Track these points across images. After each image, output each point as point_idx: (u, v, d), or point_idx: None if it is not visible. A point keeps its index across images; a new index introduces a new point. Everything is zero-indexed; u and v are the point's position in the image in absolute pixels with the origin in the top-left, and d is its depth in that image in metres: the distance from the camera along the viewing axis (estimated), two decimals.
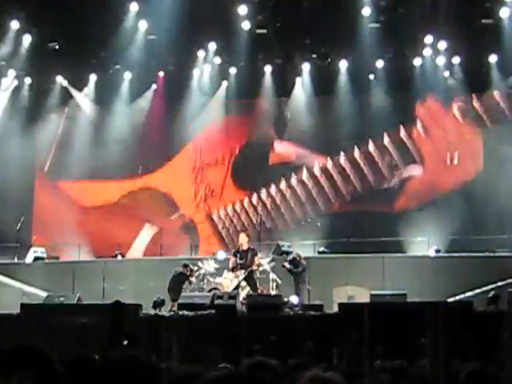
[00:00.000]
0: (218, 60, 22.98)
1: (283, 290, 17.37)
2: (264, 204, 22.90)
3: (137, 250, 22.05)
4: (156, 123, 24.22)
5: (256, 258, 17.60)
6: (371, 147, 22.60)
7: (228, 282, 17.50)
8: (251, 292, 17.00)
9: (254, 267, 17.40)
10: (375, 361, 7.05)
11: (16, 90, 23.92)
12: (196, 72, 23.44)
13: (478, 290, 17.04)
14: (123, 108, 23.94)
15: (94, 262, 21.22)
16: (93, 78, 23.81)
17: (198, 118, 23.89)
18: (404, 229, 21.01)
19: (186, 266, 17.60)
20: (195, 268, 17.93)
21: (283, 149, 23.32)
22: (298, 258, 17.45)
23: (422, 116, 22.44)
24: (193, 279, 17.71)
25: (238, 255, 17.63)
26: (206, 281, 18.02)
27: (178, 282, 17.28)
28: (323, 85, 22.93)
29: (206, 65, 23.17)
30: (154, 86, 24.05)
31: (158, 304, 15.63)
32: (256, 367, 4.02)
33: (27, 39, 22.11)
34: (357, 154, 22.68)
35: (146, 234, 21.40)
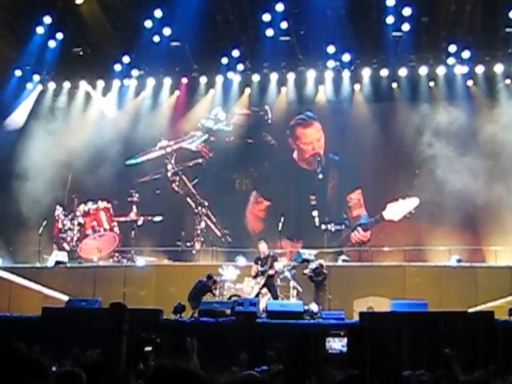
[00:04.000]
0: (241, 67, 22.99)
1: (304, 297, 17.34)
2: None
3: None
4: (178, 129, 24.17)
5: (275, 264, 17.61)
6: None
7: (249, 288, 17.52)
8: (272, 299, 16.99)
9: (271, 272, 17.37)
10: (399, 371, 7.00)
11: (41, 95, 24.07)
12: (219, 79, 23.47)
13: (499, 301, 16.92)
14: (146, 114, 23.96)
15: (115, 267, 21.27)
16: (116, 83, 23.91)
17: None
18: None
19: (210, 277, 17.49)
20: (218, 279, 17.87)
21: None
22: (320, 267, 17.40)
23: None
24: (216, 292, 17.66)
25: (260, 262, 17.63)
26: (226, 287, 17.99)
27: (201, 292, 17.21)
28: (346, 92, 22.87)
29: (229, 72, 23.17)
30: (177, 93, 24.07)
31: (179, 310, 15.64)
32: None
33: (52, 45, 22.29)
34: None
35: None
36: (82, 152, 22.85)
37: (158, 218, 22.55)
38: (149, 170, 23.64)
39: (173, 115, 24.09)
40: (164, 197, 23.25)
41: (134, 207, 22.45)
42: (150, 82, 23.76)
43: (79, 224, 22.27)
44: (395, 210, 21.12)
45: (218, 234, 22.63)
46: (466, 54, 21.32)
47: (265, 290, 17.47)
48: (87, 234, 22.25)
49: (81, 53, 22.72)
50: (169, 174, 23.44)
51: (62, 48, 22.41)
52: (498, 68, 21.61)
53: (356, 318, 15.53)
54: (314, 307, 16.07)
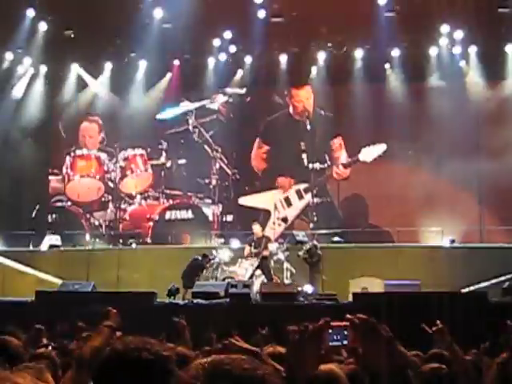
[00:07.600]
0: (233, 48, 22.94)
1: (297, 279, 17.34)
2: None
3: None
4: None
5: (269, 245, 17.61)
6: None
7: (242, 270, 17.50)
8: (265, 281, 16.99)
9: (265, 253, 17.39)
10: None
11: (32, 78, 23.96)
12: (211, 60, 23.42)
13: (492, 281, 16.95)
14: (138, 96, 23.98)
15: (109, 250, 21.26)
16: (108, 66, 23.86)
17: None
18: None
19: (205, 256, 17.52)
20: (213, 260, 17.83)
21: None
22: (314, 249, 17.41)
23: None
24: (207, 269, 17.65)
25: (253, 244, 17.63)
26: (220, 269, 17.95)
27: (195, 269, 17.22)
28: (338, 74, 22.85)
29: (221, 53, 23.13)
30: (169, 75, 24.04)
31: (173, 292, 15.63)
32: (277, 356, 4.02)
33: (43, 27, 22.14)
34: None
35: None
36: None
37: (182, 161, 24.55)
38: (174, 124, 24.68)
39: (165, 97, 24.18)
40: (186, 145, 24.53)
41: (164, 153, 24.15)
42: (142, 64, 23.71)
43: (120, 167, 23.89)
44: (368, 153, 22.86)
45: (229, 172, 24.31)
46: (458, 35, 21.33)
47: (259, 272, 17.46)
48: (126, 174, 23.80)
49: (72, 35, 22.55)
50: (190, 127, 24.62)
51: (52, 30, 22.26)
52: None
53: (350, 299, 15.54)
54: (308, 289, 16.09)
